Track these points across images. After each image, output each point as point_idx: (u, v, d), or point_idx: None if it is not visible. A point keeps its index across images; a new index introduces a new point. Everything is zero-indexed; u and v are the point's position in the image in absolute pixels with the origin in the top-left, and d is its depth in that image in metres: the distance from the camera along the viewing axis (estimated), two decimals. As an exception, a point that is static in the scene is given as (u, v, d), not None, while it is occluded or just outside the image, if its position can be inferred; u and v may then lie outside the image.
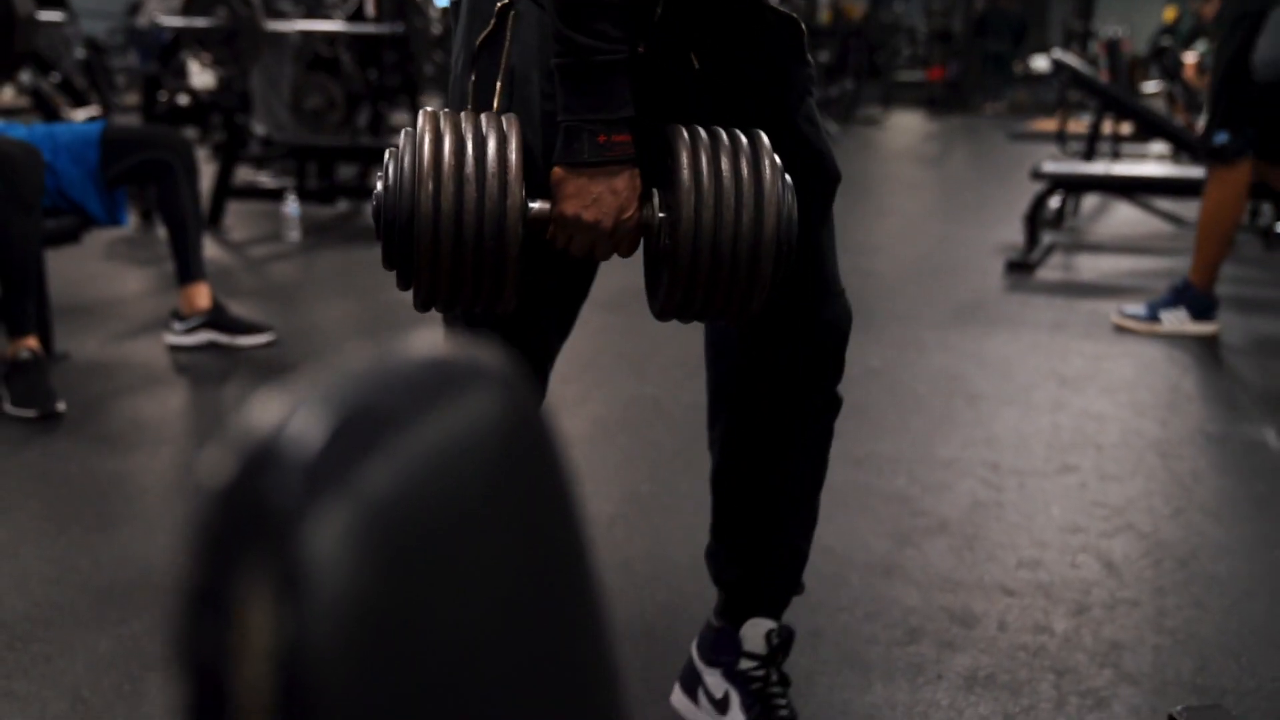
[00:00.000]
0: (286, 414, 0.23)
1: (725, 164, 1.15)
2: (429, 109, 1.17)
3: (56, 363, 2.99)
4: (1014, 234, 5.03)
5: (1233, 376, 3.21)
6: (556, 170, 1.17)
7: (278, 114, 5.58)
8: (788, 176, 1.19)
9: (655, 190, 1.20)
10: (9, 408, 2.64)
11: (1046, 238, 5.13)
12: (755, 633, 1.51)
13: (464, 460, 0.27)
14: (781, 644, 1.50)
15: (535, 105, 1.22)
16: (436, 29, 5.95)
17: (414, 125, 1.15)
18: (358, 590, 0.21)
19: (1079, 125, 8.00)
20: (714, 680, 1.53)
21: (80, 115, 5.30)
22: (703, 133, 1.18)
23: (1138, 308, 3.67)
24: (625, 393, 2.97)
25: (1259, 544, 2.14)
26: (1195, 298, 3.57)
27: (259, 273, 4.58)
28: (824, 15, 13.89)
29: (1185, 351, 3.41)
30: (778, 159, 1.18)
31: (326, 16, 6.36)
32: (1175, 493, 2.37)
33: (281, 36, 5.44)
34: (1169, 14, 26.63)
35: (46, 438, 2.56)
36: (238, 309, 3.51)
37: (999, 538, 2.15)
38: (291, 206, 4.92)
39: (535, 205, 1.17)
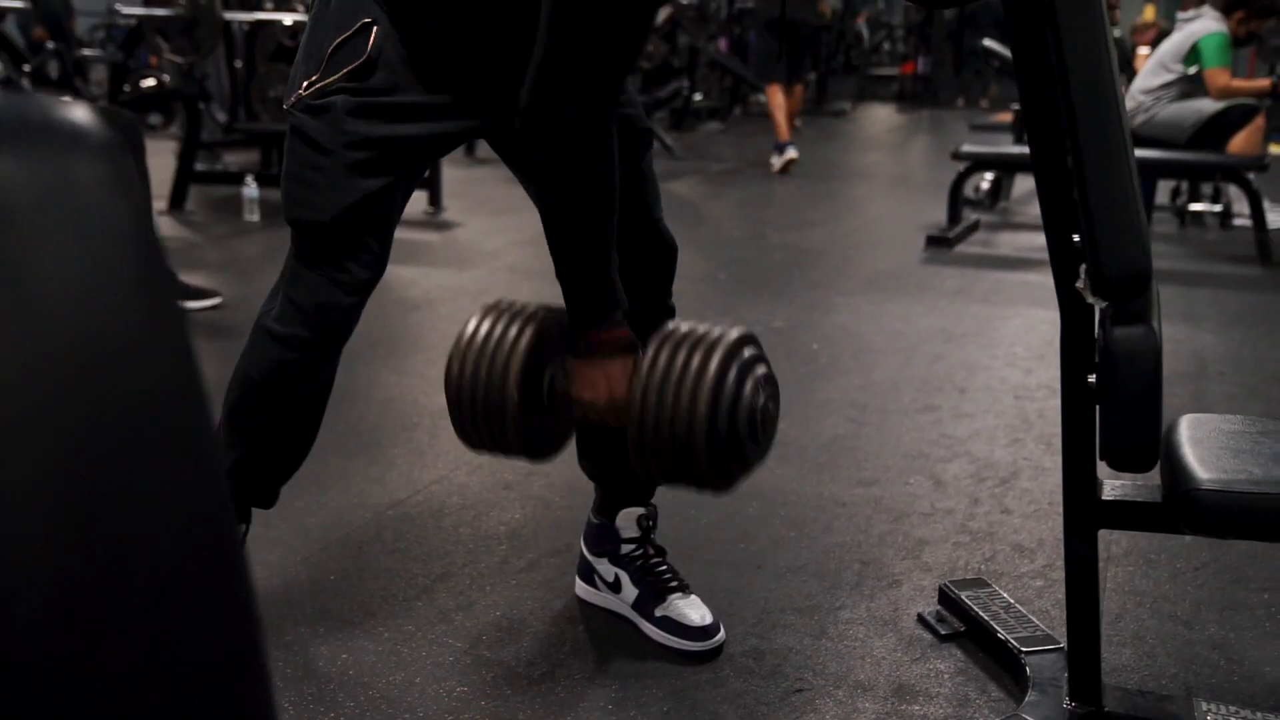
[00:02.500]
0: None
1: (680, 354, 1.32)
2: (488, 304, 1.42)
3: (12, 324, 3.22)
4: (945, 214, 5.28)
5: (1112, 335, 3.45)
6: (568, 359, 1.42)
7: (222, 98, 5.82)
8: (753, 368, 1.34)
9: None
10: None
11: (974, 216, 5.38)
12: (628, 521, 1.75)
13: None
14: (652, 524, 1.75)
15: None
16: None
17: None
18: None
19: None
20: (604, 567, 1.77)
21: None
22: (684, 327, 1.37)
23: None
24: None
25: (1077, 466, 2.38)
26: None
27: (216, 249, 4.82)
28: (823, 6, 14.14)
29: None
30: (735, 353, 1.32)
31: (292, 8, 6.59)
32: (1017, 426, 2.61)
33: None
34: (1149, 12, 26.73)
35: None
36: (192, 280, 3.75)
37: (847, 463, 2.39)
38: (251, 189, 5.16)
39: (559, 381, 1.42)
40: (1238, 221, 5.21)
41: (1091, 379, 1.31)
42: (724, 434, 1.30)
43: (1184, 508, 1.25)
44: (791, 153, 7.16)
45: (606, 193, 1.37)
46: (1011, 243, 5.03)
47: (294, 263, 1.53)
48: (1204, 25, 5.14)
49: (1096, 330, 1.30)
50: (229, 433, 1.61)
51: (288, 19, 5.97)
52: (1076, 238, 1.28)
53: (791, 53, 7.46)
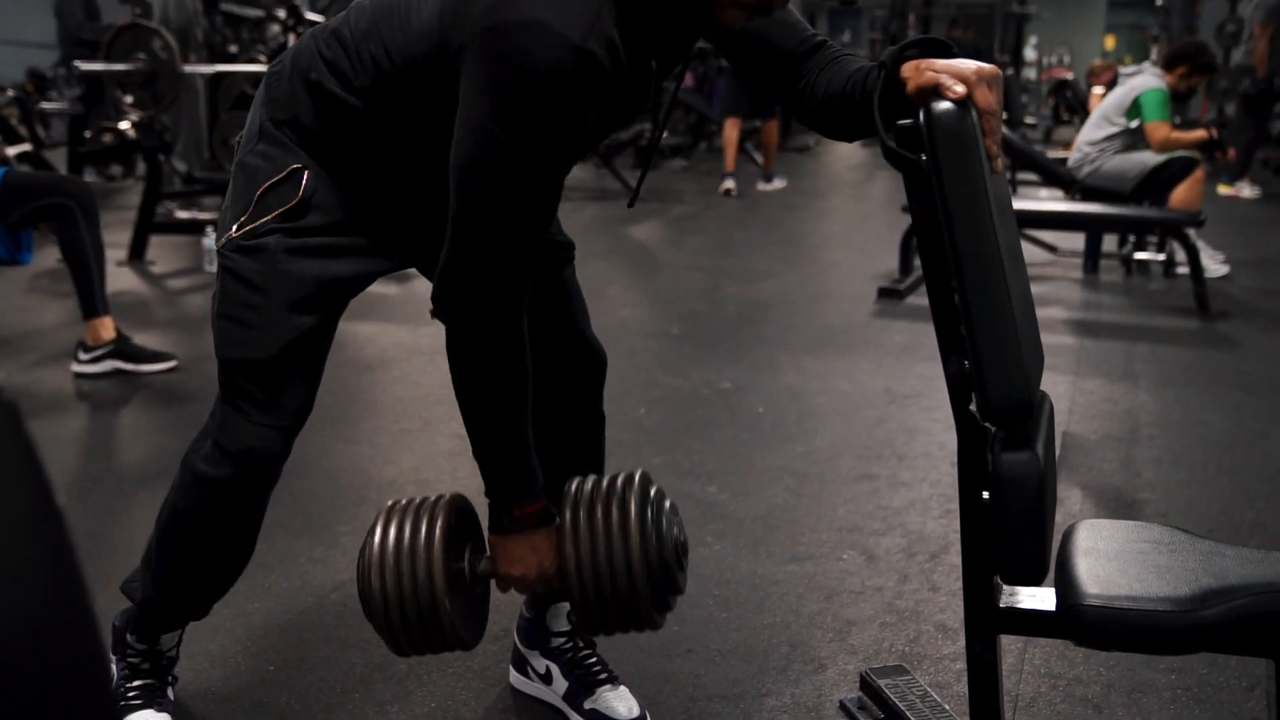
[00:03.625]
0: None
1: (599, 511, 1.42)
2: (388, 506, 1.47)
3: (-34, 390, 3.25)
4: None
5: (1054, 397, 3.54)
6: (490, 537, 1.49)
7: (200, 150, 5.86)
8: (661, 505, 1.44)
9: None
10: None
11: (926, 265, 5.48)
12: (558, 615, 1.81)
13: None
14: None
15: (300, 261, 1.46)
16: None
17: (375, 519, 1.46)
18: None
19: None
20: (536, 660, 1.83)
21: (12, 151, 5.55)
22: (589, 484, 1.46)
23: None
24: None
25: (1005, 539, 2.46)
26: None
27: (174, 304, 4.86)
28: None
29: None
30: (646, 499, 1.43)
31: (253, 58, 6.64)
32: (951, 496, 2.69)
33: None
34: (1109, 42, 27.13)
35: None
36: (149, 338, 3.79)
37: (783, 537, 2.46)
38: (210, 240, 5.19)
39: (482, 564, 1.49)
40: (1181, 270, 5.33)
41: (986, 495, 1.38)
42: (660, 578, 1.40)
43: (1069, 620, 1.32)
44: (730, 183, 8.34)
45: (517, 395, 1.43)
46: (961, 293, 5.13)
47: (223, 407, 1.52)
48: (1144, 81, 5.29)
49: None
50: (160, 558, 1.62)
51: (248, 69, 6.02)
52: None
53: (752, 93, 8.07)
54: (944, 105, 1.23)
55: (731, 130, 8.52)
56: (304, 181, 1.46)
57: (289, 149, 1.48)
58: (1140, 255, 5.47)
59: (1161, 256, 5.44)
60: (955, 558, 2.35)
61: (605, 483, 1.46)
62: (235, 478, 1.51)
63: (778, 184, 8.86)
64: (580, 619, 1.45)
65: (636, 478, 1.45)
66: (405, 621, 1.41)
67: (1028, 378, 1.28)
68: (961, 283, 1.25)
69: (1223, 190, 8.60)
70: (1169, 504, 2.69)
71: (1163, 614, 1.28)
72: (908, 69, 1.31)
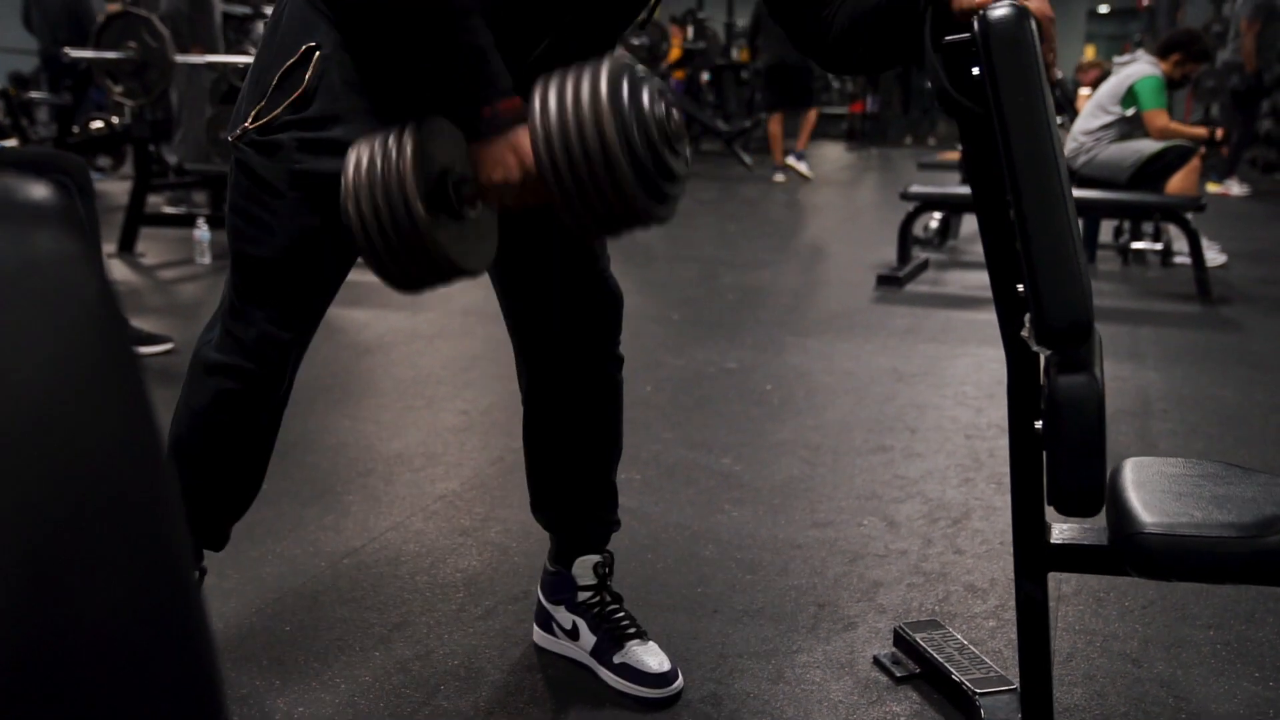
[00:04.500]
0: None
1: (569, 86, 1.22)
2: (358, 141, 1.30)
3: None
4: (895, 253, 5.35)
5: (1058, 373, 3.51)
6: (470, 146, 1.30)
7: (199, 141, 5.79)
8: (640, 79, 1.25)
9: None
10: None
11: (924, 255, 5.47)
12: (584, 568, 1.76)
13: None
14: (608, 571, 1.76)
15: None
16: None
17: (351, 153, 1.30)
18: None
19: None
20: (561, 615, 1.77)
21: (-2, 146, 5.46)
22: (555, 75, 1.26)
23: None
24: (493, 391, 3.21)
25: (1027, 505, 2.42)
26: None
27: (167, 292, 4.78)
28: (743, 53, 14.35)
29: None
30: (620, 70, 1.24)
31: (245, 51, 6.58)
32: (968, 466, 2.65)
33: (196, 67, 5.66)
34: (1089, 51, 27.36)
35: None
36: (142, 324, 3.71)
37: (801, 505, 2.41)
38: (202, 231, 5.13)
39: (467, 184, 1.31)
40: (1178, 260, 5.33)
41: (1038, 425, 1.34)
42: (642, 151, 1.22)
43: (1129, 551, 1.28)
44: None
45: None
46: (960, 281, 5.11)
47: (235, 298, 1.47)
48: (1139, 69, 5.29)
49: (1042, 377, 1.34)
50: (174, 469, 1.57)
51: (240, 61, 5.96)
52: (1021, 287, 1.31)
53: (794, 87, 9.23)
54: (1001, 11, 1.19)
55: (775, 124, 9.24)
56: (312, 64, 1.38)
57: (310, 25, 1.39)
58: (1137, 245, 5.46)
59: (1158, 246, 5.44)
60: (978, 524, 2.31)
61: (577, 64, 1.27)
62: (247, 365, 1.46)
63: (801, 166, 9.30)
64: (564, 212, 1.25)
65: (611, 55, 1.29)
66: (386, 242, 1.27)
67: (1086, 295, 1.24)
68: (1018, 194, 1.21)
69: (1212, 188, 8.62)
70: (1188, 473, 2.65)
71: (1227, 540, 1.24)
72: None
